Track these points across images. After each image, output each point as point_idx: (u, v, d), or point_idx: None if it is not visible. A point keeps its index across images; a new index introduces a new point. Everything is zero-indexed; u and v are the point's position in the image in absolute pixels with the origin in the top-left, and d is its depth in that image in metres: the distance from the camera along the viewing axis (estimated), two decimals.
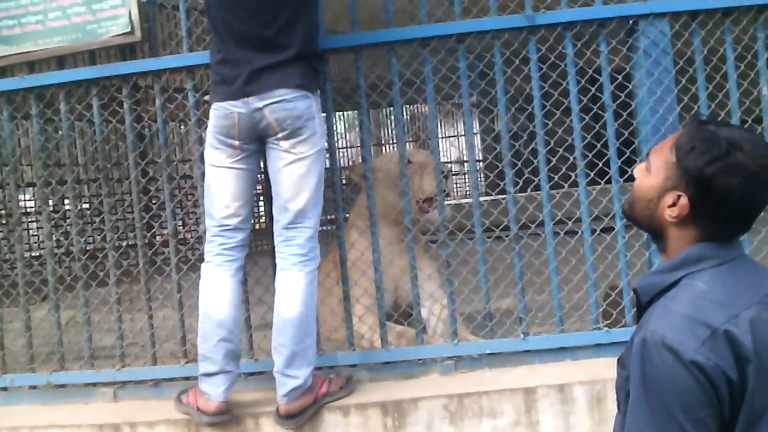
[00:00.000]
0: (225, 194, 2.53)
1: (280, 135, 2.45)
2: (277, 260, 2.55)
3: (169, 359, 3.00)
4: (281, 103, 2.42)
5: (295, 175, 2.47)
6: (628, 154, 2.80)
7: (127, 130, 2.97)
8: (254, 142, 2.52)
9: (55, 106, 3.07)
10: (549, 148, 2.79)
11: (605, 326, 2.75)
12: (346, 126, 13.29)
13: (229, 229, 2.55)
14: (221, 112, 2.48)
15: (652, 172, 1.46)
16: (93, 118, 3.00)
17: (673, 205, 1.42)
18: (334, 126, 3.04)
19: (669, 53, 2.77)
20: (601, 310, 2.78)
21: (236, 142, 2.49)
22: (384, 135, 13.22)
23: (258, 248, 7.21)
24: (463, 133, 13.97)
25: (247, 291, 2.87)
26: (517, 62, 2.83)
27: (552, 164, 2.79)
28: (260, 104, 2.42)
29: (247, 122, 2.45)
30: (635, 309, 1.55)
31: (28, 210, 6.38)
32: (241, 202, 2.55)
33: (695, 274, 1.40)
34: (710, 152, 1.37)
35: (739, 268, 1.42)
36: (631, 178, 1.56)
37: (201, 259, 2.64)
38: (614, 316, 2.76)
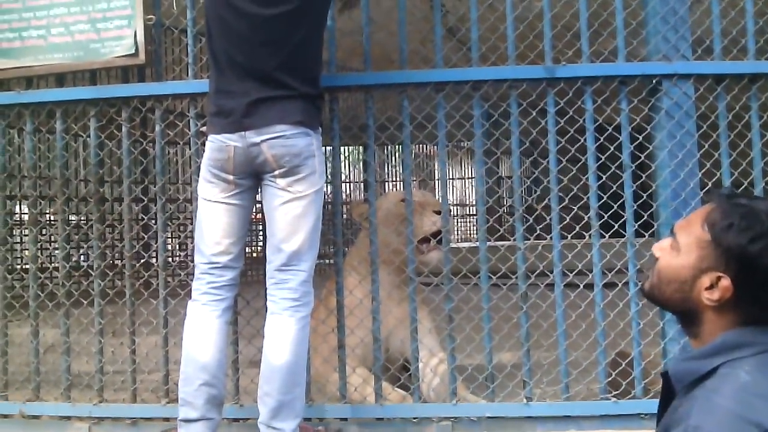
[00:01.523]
0: (216, 230, 2.41)
1: (277, 172, 2.34)
2: (268, 303, 2.41)
3: (150, 396, 2.87)
4: (280, 139, 2.30)
5: (291, 214, 2.34)
6: (645, 217, 2.68)
7: (124, 154, 2.86)
8: (250, 178, 2.40)
9: (51, 124, 2.96)
10: (563, 205, 2.68)
11: (613, 396, 2.60)
12: (349, 162, 13.20)
13: (218, 267, 2.42)
14: (216, 144, 2.37)
15: (682, 251, 1.33)
16: (89, 139, 2.89)
17: (711, 287, 1.28)
18: (341, 164, 2.91)
19: (692, 116, 2.68)
20: (609, 378, 2.63)
21: (230, 177, 2.38)
22: (387, 173, 13.13)
23: (254, 277, 7.12)
24: (464, 176, 13.96)
25: (237, 331, 2.74)
26: (534, 114, 2.74)
27: (565, 222, 2.68)
28: (258, 139, 2.31)
29: (243, 157, 2.34)
30: (661, 393, 1.40)
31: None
32: (232, 240, 2.42)
33: (734, 362, 1.26)
34: (753, 229, 1.25)
35: None
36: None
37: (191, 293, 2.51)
38: (623, 386, 2.60)
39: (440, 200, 2.84)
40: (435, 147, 10.50)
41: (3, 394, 2.87)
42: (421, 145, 12.93)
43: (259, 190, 2.45)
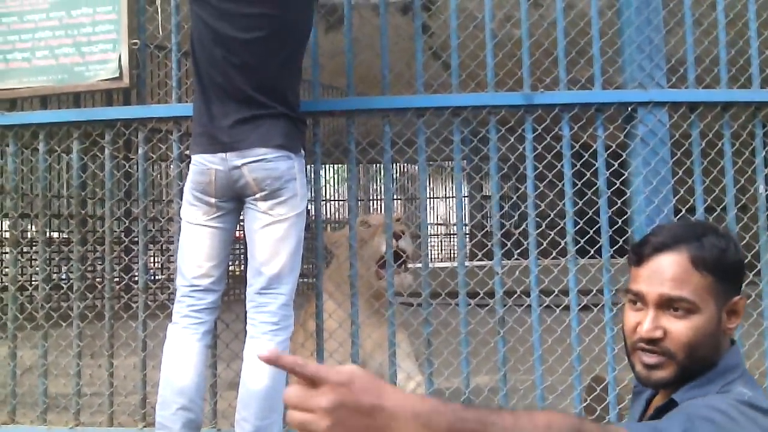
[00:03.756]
0: (198, 253, 2.41)
1: (258, 195, 2.35)
2: (248, 327, 2.41)
3: (127, 419, 2.84)
4: (261, 162, 2.32)
5: (272, 237, 2.36)
6: (620, 243, 2.72)
7: (107, 176, 2.86)
8: (232, 201, 2.42)
9: (34, 145, 2.97)
10: (540, 230, 2.71)
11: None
12: (335, 181, 13.24)
13: (199, 290, 2.42)
14: (199, 168, 2.39)
15: (698, 309, 1.23)
16: (72, 160, 2.90)
17: (732, 313, 1.26)
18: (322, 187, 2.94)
19: (666, 143, 2.73)
20: (584, 404, 2.64)
21: (212, 200, 2.39)
22: (373, 191, 13.18)
23: (235, 297, 7.06)
24: (447, 195, 14.04)
25: (216, 354, 2.73)
26: (512, 140, 2.78)
27: (542, 247, 2.71)
28: (239, 162, 2.33)
29: (225, 180, 2.36)
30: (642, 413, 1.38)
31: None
32: (214, 263, 2.43)
33: (728, 385, 1.22)
34: (727, 237, 1.27)
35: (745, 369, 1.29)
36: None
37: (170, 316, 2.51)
38: (598, 411, 2.62)
39: (421, 222, 2.87)
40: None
41: None
42: (405, 165, 13.00)
43: (242, 212, 2.47)
